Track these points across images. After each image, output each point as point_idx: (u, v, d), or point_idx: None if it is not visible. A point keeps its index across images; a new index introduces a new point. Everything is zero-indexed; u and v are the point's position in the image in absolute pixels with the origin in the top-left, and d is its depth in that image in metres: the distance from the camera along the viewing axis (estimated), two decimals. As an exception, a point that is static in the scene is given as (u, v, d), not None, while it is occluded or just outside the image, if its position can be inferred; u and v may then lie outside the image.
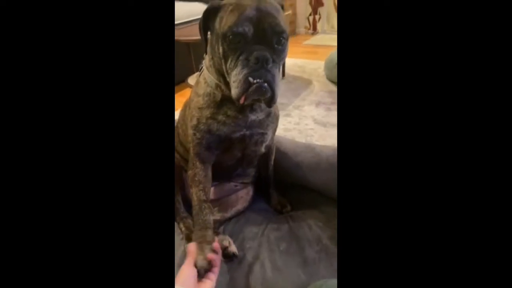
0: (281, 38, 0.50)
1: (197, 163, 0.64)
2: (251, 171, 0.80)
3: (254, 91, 0.49)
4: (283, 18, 0.51)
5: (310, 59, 2.60)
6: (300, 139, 1.42)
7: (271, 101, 0.53)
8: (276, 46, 0.49)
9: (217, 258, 0.56)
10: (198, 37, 0.58)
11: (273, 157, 0.79)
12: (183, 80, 1.89)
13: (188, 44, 1.63)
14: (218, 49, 0.52)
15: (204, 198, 0.64)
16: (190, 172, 0.66)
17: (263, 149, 0.70)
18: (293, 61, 2.55)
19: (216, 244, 0.59)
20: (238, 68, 0.49)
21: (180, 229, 0.73)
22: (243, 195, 0.79)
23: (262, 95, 0.50)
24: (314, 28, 3.51)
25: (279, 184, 0.84)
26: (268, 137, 0.68)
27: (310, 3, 3.38)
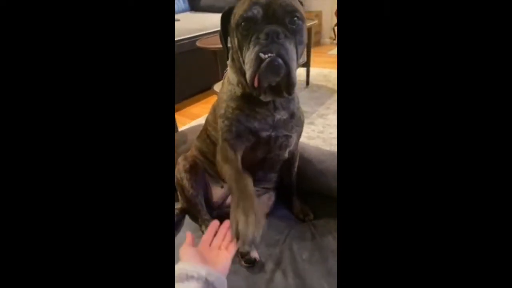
0: (294, 18, 0.48)
1: (227, 147, 0.60)
2: (273, 177, 0.79)
3: (266, 68, 0.46)
4: (296, 2, 0.50)
5: (335, 69, 2.57)
6: (324, 147, 1.39)
7: (288, 81, 0.48)
8: (289, 25, 0.47)
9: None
10: (224, 45, 0.61)
11: (296, 164, 0.78)
12: (209, 87, 1.94)
13: (215, 52, 1.68)
14: (235, 43, 0.51)
15: (240, 169, 0.57)
16: (219, 157, 0.61)
17: (286, 154, 0.69)
18: (317, 71, 2.53)
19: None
20: (250, 49, 0.47)
21: (202, 232, 0.73)
22: (265, 201, 0.78)
23: (276, 71, 0.46)
24: (340, 38, 3.49)
25: (302, 191, 0.82)
26: (293, 142, 0.67)
27: (336, 13, 3.38)
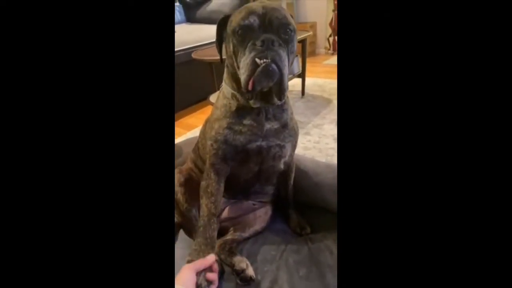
0: (287, 29, 0.52)
1: (212, 174, 0.64)
2: (270, 189, 0.78)
3: (261, 72, 0.49)
4: (289, 16, 0.54)
5: (330, 79, 2.60)
6: (320, 158, 1.39)
7: (280, 87, 0.52)
8: (283, 35, 0.51)
9: (215, 277, 0.57)
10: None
11: (292, 176, 0.77)
12: (205, 98, 1.94)
13: (211, 64, 1.69)
14: (230, 48, 0.54)
15: (214, 211, 0.63)
16: (203, 183, 0.66)
17: (281, 166, 0.69)
18: (313, 81, 2.56)
19: (215, 266, 0.59)
20: (246, 54, 0.50)
21: (197, 247, 0.72)
22: (261, 215, 0.77)
23: (270, 76, 0.49)
24: (334, 49, 3.54)
25: (298, 204, 0.81)
26: (287, 152, 0.66)
27: (330, 24, 3.44)
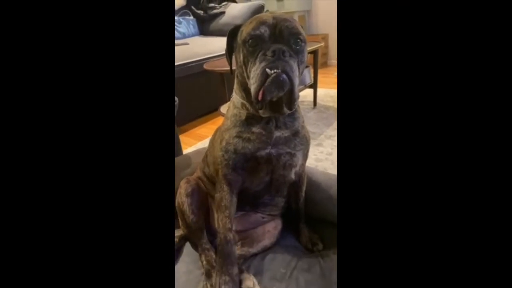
0: (297, 40, 0.51)
1: (224, 186, 0.63)
2: (280, 201, 0.75)
3: (271, 82, 0.48)
4: (299, 26, 0.53)
5: (343, 89, 2.57)
6: (333, 170, 1.35)
7: (291, 97, 0.51)
8: (293, 46, 0.51)
9: None
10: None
11: (304, 188, 0.74)
12: (216, 109, 1.95)
13: (222, 75, 1.70)
14: (240, 58, 0.54)
15: (229, 226, 0.62)
16: (217, 195, 0.65)
17: (292, 176, 0.66)
18: (325, 91, 2.53)
19: None
20: (257, 64, 0.49)
21: (201, 262, 0.69)
22: (271, 229, 0.73)
23: (281, 86, 0.49)
24: (347, 60, 3.52)
25: (310, 218, 0.77)
26: (298, 161, 0.64)
27: (343, 36, 3.44)
